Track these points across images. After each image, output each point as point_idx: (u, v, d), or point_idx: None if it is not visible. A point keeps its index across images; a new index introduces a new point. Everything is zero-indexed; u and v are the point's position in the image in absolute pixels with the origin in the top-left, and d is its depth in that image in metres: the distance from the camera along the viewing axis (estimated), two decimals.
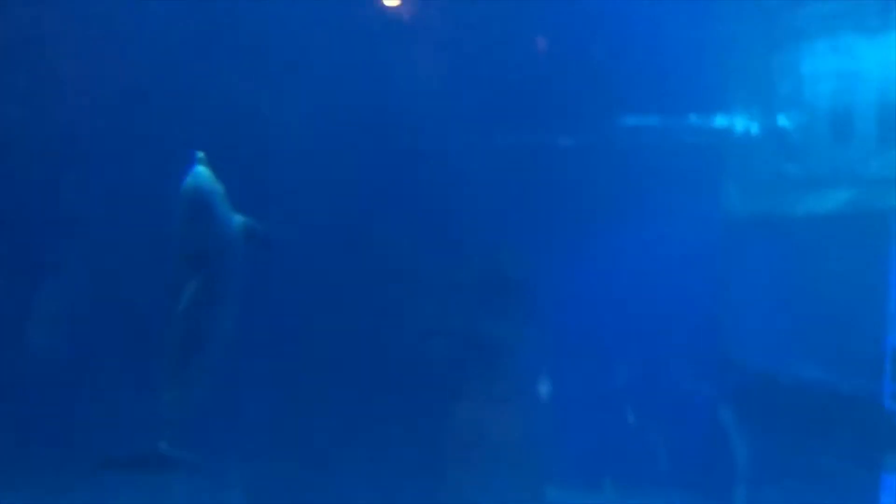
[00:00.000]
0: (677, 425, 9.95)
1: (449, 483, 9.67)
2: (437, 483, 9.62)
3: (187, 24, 9.64)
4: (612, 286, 9.98)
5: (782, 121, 10.82)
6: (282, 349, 9.55)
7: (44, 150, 9.65)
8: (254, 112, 9.79)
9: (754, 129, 10.89)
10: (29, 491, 8.92)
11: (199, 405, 8.25)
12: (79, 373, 9.45)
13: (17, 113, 9.67)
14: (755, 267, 10.30)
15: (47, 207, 9.67)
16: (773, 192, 10.64)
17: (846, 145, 10.36)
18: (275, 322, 9.39)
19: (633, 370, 10.06)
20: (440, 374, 9.73)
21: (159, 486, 8.63)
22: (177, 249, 8.24)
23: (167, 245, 8.34)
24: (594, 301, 9.99)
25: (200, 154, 8.05)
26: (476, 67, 10.49)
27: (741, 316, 10.22)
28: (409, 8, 10.85)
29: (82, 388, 9.41)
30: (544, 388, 9.98)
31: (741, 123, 10.91)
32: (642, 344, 9.93)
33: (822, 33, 10.39)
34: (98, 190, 9.53)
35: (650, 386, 10.01)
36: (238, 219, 8.40)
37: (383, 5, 10.61)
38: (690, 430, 10.03)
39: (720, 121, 10.97)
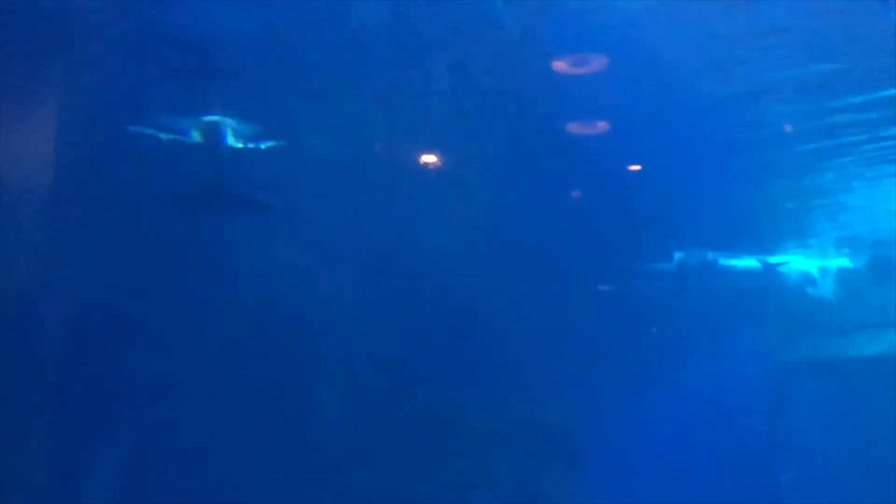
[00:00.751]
0: None
1: None
2: None
3: None
4: (660, 432, 9.83)
5: (830, 264, 10.73)
6: None
7: None
8: None
9: (803, 272, 10.80)
10: None
11: None
12: None
13: None
14: (808, 408, 10.13)
15: None
16: (825, 335, 10.53)
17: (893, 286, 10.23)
18: None
19: None
20: None
21: None
22: None
23: None
24: (642, 448, 9.84)
25: None
26: (519, 220, 10.65)
27: (796, 458, 10.02)
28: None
29: None
30: None
31: (791, 267, 10.84)
32: (694, 491, 9.74)
33: (864, 179, 10.36)
34: None
35: None
36: None
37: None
38: None
39: (772, 265, 10.89)
